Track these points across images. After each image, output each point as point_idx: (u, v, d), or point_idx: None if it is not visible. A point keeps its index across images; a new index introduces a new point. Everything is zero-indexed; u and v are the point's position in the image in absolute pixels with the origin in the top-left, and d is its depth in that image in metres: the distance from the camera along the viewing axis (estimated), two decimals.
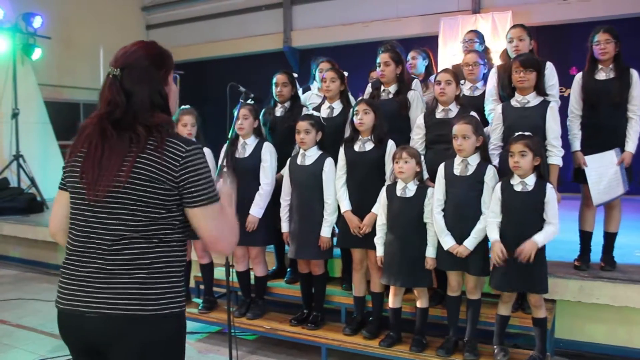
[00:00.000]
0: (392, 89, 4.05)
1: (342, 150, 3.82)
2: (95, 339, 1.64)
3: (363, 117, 3.67)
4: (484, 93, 4.11)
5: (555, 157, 3.58)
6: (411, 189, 3.52)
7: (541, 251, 3.23)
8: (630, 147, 3.86)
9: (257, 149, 4.08)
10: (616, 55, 3.91)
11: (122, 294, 1.60)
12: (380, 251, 3.62)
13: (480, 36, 4.80)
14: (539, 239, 3.17)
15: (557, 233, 3.21)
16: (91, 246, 1.65)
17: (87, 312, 1.61)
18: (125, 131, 1.64)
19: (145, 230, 1.64)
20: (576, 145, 4.00)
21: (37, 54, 9.21)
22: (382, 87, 4.09)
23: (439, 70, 4.34)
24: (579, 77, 4.04)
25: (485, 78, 4.23)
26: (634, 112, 3.85)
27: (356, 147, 3.76)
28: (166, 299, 1.66)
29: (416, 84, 4.39)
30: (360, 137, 3.75)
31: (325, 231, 3.85)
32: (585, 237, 4.16)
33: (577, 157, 3.99)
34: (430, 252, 3.50)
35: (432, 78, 4.36)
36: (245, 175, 4.00)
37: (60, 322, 1.70)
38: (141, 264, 1.63)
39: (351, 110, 3.80)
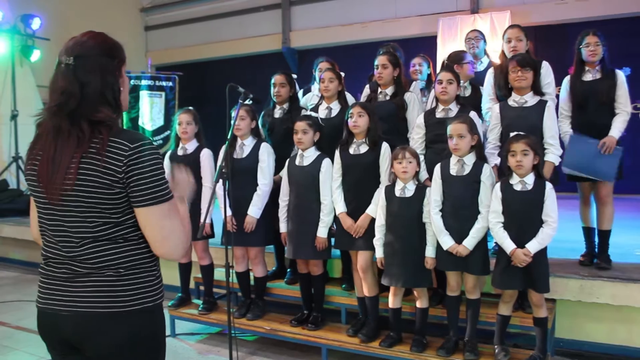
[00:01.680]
0: (389, 91, 4.06)
1: (337, 152, 3.83)
2: (70, 336, 1.66)
3: (357, 120, 3.68)
4: (471, 93, 4.22)
5: (552, 154, 3.60)
6: (410, 189, 3.53)
7: (542, 250, 3.24)
8: (614, 132, 3.91)
9: (255, 150, 4.08)
10: (602, 57, 4.00)
11: (93, 293, 1.62)
12: (379, 253, 3.62)
13: (482, 34, 4.91)
14: (532, 246, 3.18)
15: (553, 234, 3.22)
16: (61, 248, 1.65)
17: (61, 311, 1.64)
18: (74, 126, 1.59)
19: (106, 233, 1.63)
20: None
21: (35, 55, 9.23)
22: (379, 89, 4.10)
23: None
24: (567, 79, 4.13)
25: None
26: (620, 109, 3.95)
27: (351, 150, 3.76)
28: (137, 294, 1.66)
29: (415, 85, 4.40)
30: (355, 139, 3.76)
31: (322, 231, 3.85)
32: (587, 233, 4.24)
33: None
34: (430, 251, 3.51)
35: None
36: (244, 175, 4.02)
37: (39, 321, 1.73)
38: (109, 264, 1.63)
39: (346, 112, 3.80)
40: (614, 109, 3.95)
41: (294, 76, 4.53)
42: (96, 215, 1.61)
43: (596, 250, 4.17)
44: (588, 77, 4.02)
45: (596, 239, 4.17)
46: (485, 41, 4.84)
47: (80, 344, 1.65)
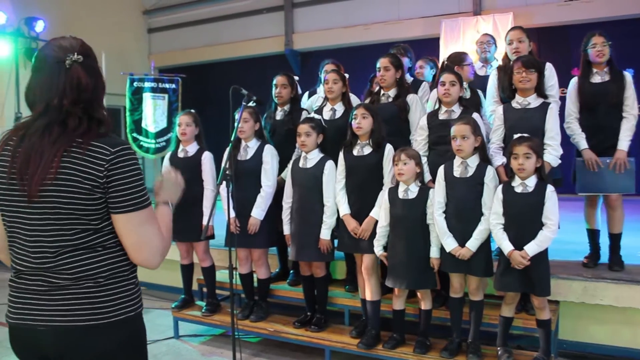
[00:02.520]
0: (392, 93, 4.07)
1: (341, 154, 3.83)
2: (49, 352, 1.60)
3: (361, 122, 3.68)
4: (470, 95, 4.19)
5: (550, 155, 3.56)
6: (413, 191, 3.53)
7: (542, 253, 3.24)
8: (623, 145, 3.90)
9: (259, 152, 4.09)
10: (609, 58, 3.98)
11: (71, 306, 1.57)
12: (379, 251, 3.61)
13: (494, 39, 4.93)
14: (530, 248, 3.18)
15: (553, 236, 3.21)
16: (34, 261, 1.59)
17: (38, 326, 1.58)
18: (66, 125, 1.56)
19: (85, 241, 1.59)
20: (584, 143, 3.99)
21: None
22: (382, 91, 4.11)
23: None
24: (574, 81, 4.10)
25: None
26: (627, 112, 3.92)
27: (355, 152, 3.76)
28: (117, 304, 1.62)
29: (424, 87, 4.40)
30: (358, 141, 3.76)
31: (325, 233, 3.84)
32: (592, 236, 4.22)
33: (588, 154, 3.96)
34: (435, 252, 3.50)
35: None
36: (247, 177, 4.03)
37: (12, 337, 1.66)
38: (87, 275, 1.59)
39: (350, 114, 3.80)
40: (622, 111, 3.92)
41: (296, 78, 4.54)
42: (75, 222, 1.56)
43: (600, 252, 4.16)
44: (596, 79, 3.98)
45: (604, 241, 4.15)
46: (496, 46, 4.86)
47: (61, 358, 1.60)
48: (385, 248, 3.62)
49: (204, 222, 3.79)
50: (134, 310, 1.68)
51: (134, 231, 1.61)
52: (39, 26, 9.16)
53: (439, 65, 5.13)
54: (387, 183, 3.68)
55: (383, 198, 3.63)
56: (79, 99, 1.58)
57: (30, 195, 1.54)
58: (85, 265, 1.58)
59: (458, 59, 4.32)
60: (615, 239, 4.08)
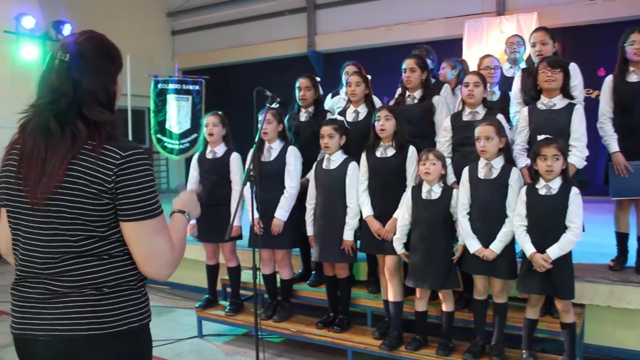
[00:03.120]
0: (417, 94, 4.06)
1: (364, 155, 3.84)
2: None
3: (384, 123, 3.68)
4: (500, 97, 4.20)
5: (575, 156, 3.49)
6: (436, 192, 3.52)
7: (566, 256, 3.20)
8: None
9: (282, 153, 4.12)
10: None
11: (74, 315, 1.50)
12: (399, 249, 3.61)
13: (523, 40, 4.89)
14: (552, 251, 3.15)
15: (576, 240, 3.17)
16: (37, 266, 1.53)
17: (39, 336, 1.52)
18: (67, 126, 1.48)
19: (90, 248, 1.51)
20: (614, 146, 3.91)
21: None
22: (407, 93, 4.10)
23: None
24: (609, 79, 3.98)
25: (499, 83, 4.32)
26: None
27: (378, 153, 3.77)
28: (122, 314, 1.55)
29: (446, 88, 4.40)
30: (381, 143, 3.76)
31: (348, 234, 3.85)
32: (621, 239, 4.14)
33: (618, 157, 3.89)
34: (462, 240, 3.50)
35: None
36: (271, 178, 4.06)
37: (17, 348, 1.60)
38: (91, 283, 1.51)
39: (373, 116, 3.81)
40: None
41: (318, 79, 4.56)
42: (80, 228, 1.49)
43: (628, 255, 4.09)
44: (633, 77, 3.87)
45: (631, 245, 4.08)
46: (525, 47, 4.80)
47: None
48: (406, 247, 3.62)
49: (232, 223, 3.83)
50: (139, 322, 1.59)
51: (144, 241, 1.53)
52: (66, 30, 9.34)
53: (464, 65, 5.13)
54: (410, 184, 3.68)
55: (406, 197, 3.63)
56: (55, 102, 1.49)
57: (34, 204, 1.48)
58: (89, 272, 1.51)
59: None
60: None
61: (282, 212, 4.06)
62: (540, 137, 3.29)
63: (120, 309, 1.54)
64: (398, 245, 3.62)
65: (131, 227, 1.51)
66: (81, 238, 1.50)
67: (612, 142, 3.92)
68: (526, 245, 3.24)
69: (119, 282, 1.55)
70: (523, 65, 4.67)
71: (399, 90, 4.38)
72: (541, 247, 3.19)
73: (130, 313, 1.56)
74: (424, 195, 3.54)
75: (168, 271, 1.58)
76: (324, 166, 3.95)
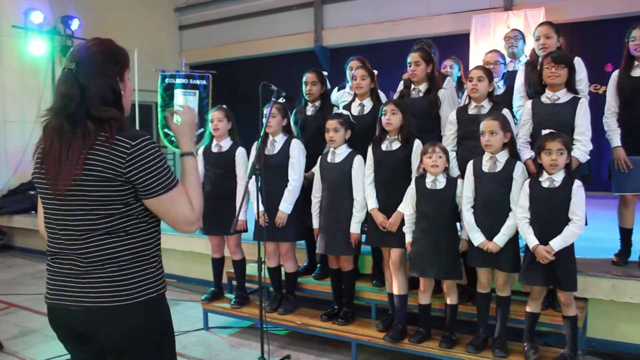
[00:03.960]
0: (423, 87, 4.07)
1: (370, 149, 3.86)
2: (81, 329, 1.76)
3: (391, 117, 3.70)
4: (505, 91, 4.19)
5: (579, 150, 3.52)
6: (441, 181, 3.54)
7: (569, 249, 3.22)
8: None
9: (286, 146, 4.15)
10: None
11: (98, 288, 1.71)
12: (409, 238, 3.63)
13: (522, 34, 4.91)
14: (555, 243, 3.17)
15: (579, 232, 3.18)
16: (66, 244, 1.74)
17: (71, 306, 1.73)
18: (78, 126, 1.68)
19: (109, 226, 1.71)
20: (616, 140, 3.95)
21: None
22: (413, 86, 4.12)
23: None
24: (615, 74, 4.00)
25: (504, 77, 4.32)
26: None
27: (383, 147, 3.79)
28: (140, 286, 1.75)
29: (448, 81, 4.40)
30: (387, 136, 3.78)
31: (354, 227, 3.88)
32: (625, 234, 4.16)
33: (619, 152, 3.92)
34: (466, 235, 3.52)
35: None
36: (275, 172, 4.10)
37: (50, 316, 1.82)
38: (111, 258, 1.72)
39: (379, 110, 3.83)
40: None
41: (325, 73, 4.58)
42: (99, 207, 1.69)
43: (631, 250, 4.10)
44: (637, 72, 3.89)
45: (635, 239, 4.10)
46: (524, 41, 4.81)
47: (91, 336, 1.75)
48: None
49: (237, 216, 3.87)
50: (156, 292, 1.80)
51: (168, 211, 1.76)
52: (74, 25, 9.40)
53: (471, 62, 5.15)
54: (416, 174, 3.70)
55: (410, 186, 3.65)
56: (66, 106, 1.70)
57: (57, 195, 1.70)
58: (109, 248, 1.72)
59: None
60: None
61: (286, 205, 4.09)
62: (544, 132, 3.30)
63: (138, 282, 1.75)
64: (408, 235, 3.64)
65: (154, 202, 1.74)
66: (101, 217, 1.70)
67: (614, 137, 3.94)
68: (529, 237, 3.26)
69: (135, 256, 1.75)
70: (523, 59, 4.68)
71: (401, 85, 4.41)
72: (544, 239, 3.21)
73: (147, 284, 1.77)
74: (428, 185, 3.55)
75: (194, 227, 1.82)
76: (329, 160, 3.97)
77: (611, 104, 3.99)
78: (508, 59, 4.83)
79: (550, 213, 3.22)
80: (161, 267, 1.86)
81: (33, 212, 7.99)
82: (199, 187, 1.89)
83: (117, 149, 1.67)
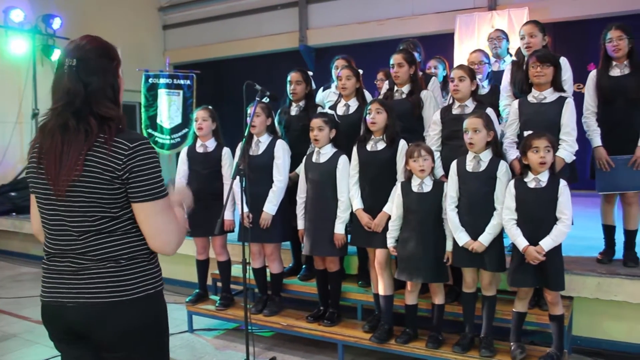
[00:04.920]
0: (406, 89, 4.07)
1: (355, 149, 3.84)
2: (77, 325, 1.76)
3: (375, 117, 3.68)
4: (489, 91, 4.21)
5: (564, 150, 3.53)
6: (428, 184, 3.53)
7: (556, 248, 3.22)
8: None
9: (271, 147, 4.11)
10: (630, 52, 3.92)
11: (97, 283, 1.72)
12: (390, 243, 3.62)
13: (505, 34, 4.92)
14: (545, 243, 3.17)
15: (567, 231, 3.19)
16: (63, 244, 1.75)
17: (67, 302, 1.74)
18: (81, 123, 1.69)
19: (107, 227, 1.73)
20: (597, 140, 3.97)
21: (56, 54, 9.34)
22: (395, 88, 4.11)
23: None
24: (593, 74, 4.04)
25: (489, 77, 4.33)
26: None
27: (368, 147, 3.77)
28: (138, 283, 1.77)
29: (434, 82, 4.40)
30: (372, 136, 3.77)
31: (339, 228, 3.86)
32: (608, 232, 4.18)
33: (600, 152, 3.94)
34: (450, 246, 3.51)
35: None
36: (259, 172, 4.07)
37: (44, 314, 1.83)
38: (109, 257, 1.73)
39: (364, 109, 3.81)
40: None
41: (310, 73, 4.55)
42: (96, 209, 1.70)
43: (615, 248, 4.13)
44: (616, 72, 3.92)
45: (618, 238, 4.12)
46: (507, 40, 4.83)
47: (87, 332, 1.75)
48: (396, 242, 3.63)
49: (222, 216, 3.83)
50: (154, 288, 1.81)
51: (152, 218, 1.75)
52: (56, 23, 9.27)
53: (455, 61, 5.16)
54: (400, 178, 3.69)
55: (396, 192, 3.64)
56: (72, 103, 1.71)
57: (57, 194, 1.70)
58: (107, 247, 1.73)
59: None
60: (630, 235, 4.05)
61: (270, 206, 4.05)
62: (526, 133, 3.30)
63: (136, 278, 1.76)
64: (390, 240, 3.63)
65: (141, 207, 1.73)
66: (97, 218, 1.71)
67: (594, 137, 3.97)
68: (518, 239, 3.25)
69: (134, 254, 1.77)
70: (508, 58, 4.69)
71: (385, 84, 4.40)
72: (532, 240, 3.20)
73: (145, 281, 1.78)
74: (415, 189, 3.54)
75: (174, 247, 1.81)
76: (314, 160, 3.95)
77: (590, 104, 4.03)
78: (493, 59, 4.84)
79: (537, 213, 3.22)
80: (158, 264, 1.88)
81: (14, 214, 7.86)
82: (184, 229, 1.90)
83: (116, 150, 1.69)
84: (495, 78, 4.42)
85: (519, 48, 4.13)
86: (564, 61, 3.82)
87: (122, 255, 1.75)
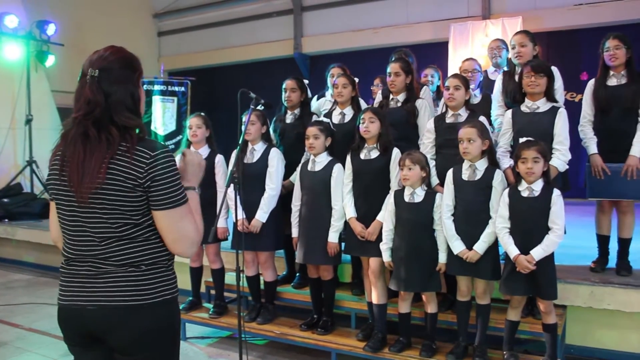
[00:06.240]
0: (401, 97, 4.09)
1: (348, 157, 3.84)
2: (95, 328, 1.78)
3: (369, 125, 3.69)
4: (481, 100, 4.23)
5: (558, 159, 3.55)
6: (419, 194, 3.53)
7: (548, 257, 3.23)
8: (635, 151, 3.85)
9: (265, 155, 4.11)
10: (628, 61, 3.94)
11: (117, 288, 1.75)
12: (386, 257, 3.62)
13: (505, 44, 4.92)
14: (536, 253, 3.18)
15: (559, 241, 3.20)
16: (84, 249, 1.78)
17: (87, 306, 1.76)
18: (102, 132, 1.73)
19: (129, 233, 1.76)
20: (593, 148, 3.98)
21: (50, 60, 9.34)
22: (391, 96, 4.12)
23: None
24: (591, 83, 4.06)
25: (480, 86, 4.35)
26: None
27: (362, 155, 3.78)
28: (157, 288, 1.80)
29: (425, 90, 4.42)
30: (366, 145, 3.77)
31: (332, 236, 3.86)
32: (602, 241, 4.19)
33: (595, 159, 3.96)
34: (442, 257, 3.51)
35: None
36: (254, 180, 4.05)
37: (61, 317, 1.85)
38: (130, 262, 1.77)
39: (357, 118, 3.82)
40: (638, 115, 3.86)
41: (305, 81, 4.56)
42: (118, 216, 1.74)
43: (609, 257, 4.14)
44: (613, 81, 3.95)
45: (612, 246, 4.13)
46: (507, 50, 4.85)
47: (105, 335, 1.78)
48: (391, 251, 3.63)
49: (215, 224, 3.82)
50: (171, 294, 1.86)
51: (173, 226, 1.79)
52: (51, 29, 9.25)
53: (449, 69, 5.18)
54: (394, 187, 3.69)
55: (389, 201, 3.64)
56: (91, 112, 1.74)
57: (79, 201, 1.74)
58: (128, 253, 1.76)
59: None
60: (624, 244, 4.06)
61: (261, 214, 4.04)
62: (521, 140, 3.32)
63: (155, 283, 1.80)
64: (385, 252, 3.63)
65: (162, 214, 1.77)
66: (120, 225, 1.74)
67: (591, 144, 3.99)
68: (510, 247, 3.26)
69: (154, 260, 1.80)
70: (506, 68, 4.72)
71: (379, 95, 4.42)
72: (524, 249, 3.22)
73: (164, 286, 1.82)
74: (406, 198, 3.55)
75: (193, 250, 1.86)
76: (309, 168, 3.95)
77: (587, 112, 4.05)
78: (492, 69, 4.86)
79: (530, 222, 3.23)
80: (174, 271, 1.91)
81: (6, 220, 7.82)
82: (200, 217, 1.92)
83: (138, 159, 1.72)
84: (487, 87, 4.44)
85: (509, 57, 4.15)
86: (555, 70, 3.84)
87: (143, 261, 1.78)
